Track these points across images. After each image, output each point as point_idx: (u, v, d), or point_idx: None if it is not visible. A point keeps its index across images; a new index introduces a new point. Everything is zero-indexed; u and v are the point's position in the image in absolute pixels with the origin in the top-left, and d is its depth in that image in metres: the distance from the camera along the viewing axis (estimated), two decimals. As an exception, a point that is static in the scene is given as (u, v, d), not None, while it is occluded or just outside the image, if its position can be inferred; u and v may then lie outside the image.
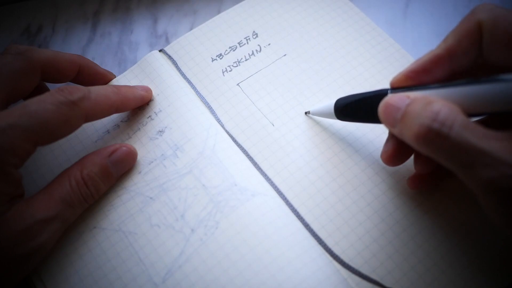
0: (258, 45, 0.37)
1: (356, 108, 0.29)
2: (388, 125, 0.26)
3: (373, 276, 0.29)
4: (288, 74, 0.36)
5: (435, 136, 0.22)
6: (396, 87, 0.27)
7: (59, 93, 0.28)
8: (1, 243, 0.26)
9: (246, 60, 0.37)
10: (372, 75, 0.36)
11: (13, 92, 0.29)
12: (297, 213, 0.31)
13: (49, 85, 0.35)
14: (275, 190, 0.32)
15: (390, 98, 0.25)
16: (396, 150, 0.28)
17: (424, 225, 0.30)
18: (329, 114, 0.31)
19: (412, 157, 0.30)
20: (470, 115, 0.23)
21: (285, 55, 0.37)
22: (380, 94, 0.27)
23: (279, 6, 0.39)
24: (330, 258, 0.29)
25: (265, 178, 0.32)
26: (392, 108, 0.25)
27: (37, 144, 0.27)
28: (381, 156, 0.29)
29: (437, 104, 0.23)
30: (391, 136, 0.29)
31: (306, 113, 0.34)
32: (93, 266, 0.30)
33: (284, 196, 0.31)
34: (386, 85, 0.35)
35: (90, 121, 0.30)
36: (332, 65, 0.36)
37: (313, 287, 0.27)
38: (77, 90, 0.28)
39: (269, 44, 0.37)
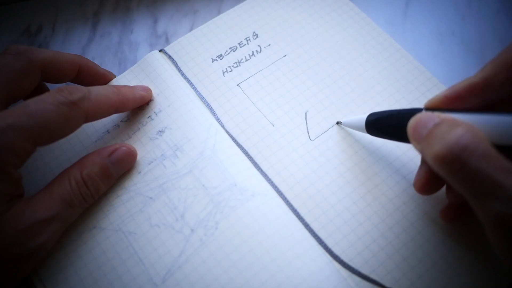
0: (258, 45, 0.37)
1: (387, 122, 0.28)
2: (413, 141, 0.25)
3: (373, 276, 0.29)
4: (288, 74, 0.36)
5: (454, 160, 0.22)
6: (430, 109, 0.27)
7: (59, 93, 0.28)
8: (1, 243, 0.26)
9: (246, 60, 0.37)
10: (372, 76, 0.36)
11: (13, 92, 0.29)
12: (297, 213, 0.31)
13: (49, 85, 0.35)
14: (275, 190, 0.32)
15: (421, 114, 0.25)
16: (429, 178, 0.27)
17: (424, 225, 0.30)
18: (359, 127, 0.31)
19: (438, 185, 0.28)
20: (498, 146, 0.23)
21: (285, 55, 0.37)
22: (413, 112, 0.26)
23: (279, 7, 0.39)
24: (330, 258, 0.29)
25: (265, 178, 0.32)
26: (421, 124, 0.25)
27: (37, 144, 0.27)
28: (414, 185, 0.28)
29: (462, 128, 0.22)
30: (423, 163, 0.28)
31: (337, 123, 0.34)
32: (92, 266, 0.30)
33: (284, 196, 0.31)
34: (386, 87, 0.35)
35: (90, 121, 0.30)
36: (332, 66, 0.36)
37: (313, 287, 0.27)
38: (77, 90, 0.28)
39: (269, 45, 0.37)
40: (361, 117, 0.31)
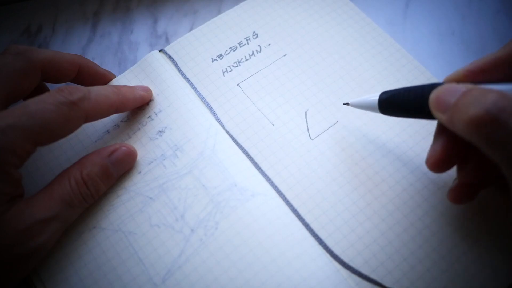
0: (258, 45, 0.37)
1: (404, 98, 0.27)
2: (437, 110, 0.24)
3: (373, 276, 0.29)
4: (288, 74, 0.36)
5: (492, 120, 0.21)
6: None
7: (59, 93, 0.28)
8: (1, 243, 0.26)
9: (246, 60, 0.37)
10: (372, 76, 0.36)
11: (13, 92, 0.29)
12: (297, 213, 0.31)
13: (49, 85, 0.35)
14: (275, 190, 0.32)
15: (446, 85, 0.24)
16: (446, 151, 0.26)
17: (424, 225, 0.30)
18: (370, 106, 0.30)
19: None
20: None
21: (285, 55, 0.37)
22: (433, 86, 0.26)
23: (279, 7, 0.39)
24: (330, 258, 0.29)
25: (265, 178, 0.32)
26: (447, 92, 0.24)
27: (37, 144, 0.27)
28: (427, 161, 0.27)
29: (496, 93, 0.22)
30: (439, 135, 0.27)
31: (344, 103, 0.33)
32: (92, 266, 0.30)
33: (284, 196, 0.31)
34: (387, 87, 0.35)
35: (90, 121, 0.30)
36: (332, 66, 0.36)
37: (313, 287, 0.27)
38: (77, 90, 0.28)
39: (269, 45, 0.37)
40: (372, 95, 0.30)
